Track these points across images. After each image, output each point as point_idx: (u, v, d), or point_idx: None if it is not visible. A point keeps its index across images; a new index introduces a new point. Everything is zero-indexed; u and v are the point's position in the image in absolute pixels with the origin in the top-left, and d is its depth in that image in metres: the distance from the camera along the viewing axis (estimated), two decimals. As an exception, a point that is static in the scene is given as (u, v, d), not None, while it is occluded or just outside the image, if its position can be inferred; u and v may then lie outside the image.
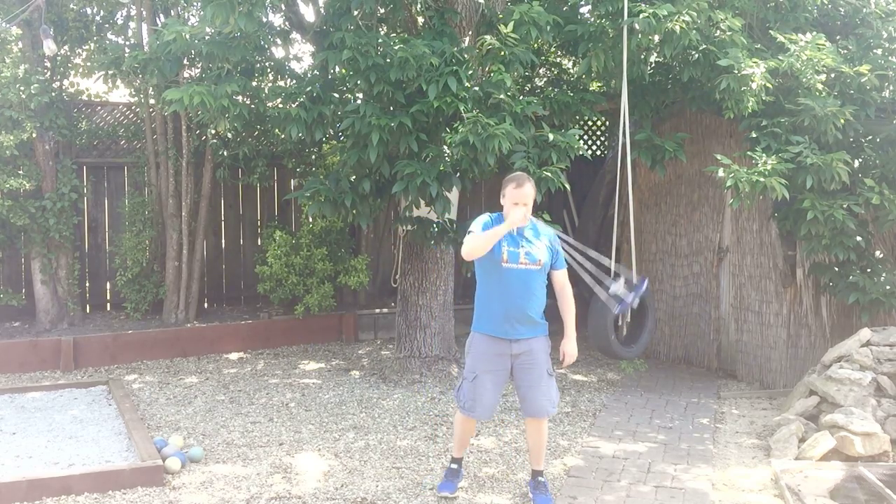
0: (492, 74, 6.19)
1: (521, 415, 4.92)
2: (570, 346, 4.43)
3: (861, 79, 6.23)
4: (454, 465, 4.60)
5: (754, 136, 6.34)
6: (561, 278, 4.42)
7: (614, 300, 4.33)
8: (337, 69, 6.78)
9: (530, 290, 4.28)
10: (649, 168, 7.18)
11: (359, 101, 6.34)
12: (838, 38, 6.85)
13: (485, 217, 4.36)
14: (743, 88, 6.01)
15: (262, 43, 6.79)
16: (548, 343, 4.44)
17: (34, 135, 7.73)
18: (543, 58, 8.92)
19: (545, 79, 9.39)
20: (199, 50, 6.33)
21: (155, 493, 4.48)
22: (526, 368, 4.35)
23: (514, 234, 4.28)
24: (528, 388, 4.36)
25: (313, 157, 8.99)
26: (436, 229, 6.62)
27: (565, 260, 4.50)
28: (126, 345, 7.52)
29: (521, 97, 6.49)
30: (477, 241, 4.18)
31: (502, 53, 6.17)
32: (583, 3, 7.60)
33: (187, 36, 6.04)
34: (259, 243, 9.09)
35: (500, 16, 6.49)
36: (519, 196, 4.20)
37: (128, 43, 8.27)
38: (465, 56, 6.23)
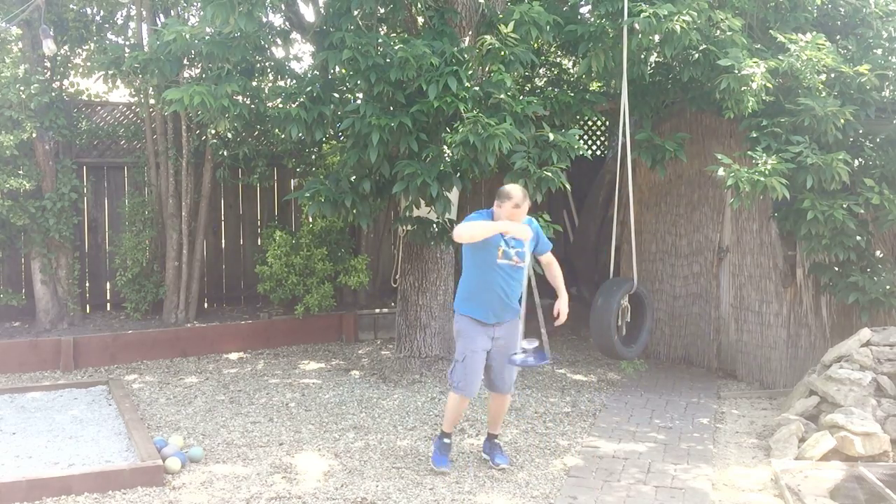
0: (492, 74, 6.19)
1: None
2: (563, 305, 4.86)
3: (861, 79, 6.22)
4: (446, 440, 4.98)
5: (754, 136, 6.34)
6: (547, 258, 4.99)
7: (521, 354, 4.77)
8: (337, 69, 6.78)
9: (516, 282, 4.77)
10: (649, 168, 7.18)
11: (359, 101, 6.34)
12: (838, 38, 6.85)
13: (476, 214, 4.81)
14: (743, 88, 6.01)
15: (262, 43, 6.79)
16: (519, 326, 4.86)
17: (34, 135, 7.72)
18: (543, 58, 8.92)
19: (545, 79, 9.39)
20: (199, 50, 6.33)
21: (155, 493, 4.48)
22: (501, 351, 4.82)
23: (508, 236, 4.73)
24: (500, 369, 4.87)
25: (313, 157, 8.98)
26: (436, 229, 6.62)
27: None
28: (126, 345, 7.52)
29: (521, 97, 6.49)
30: (475, 230, 4.61)
31: (502, 53, 6.16)
32: (583, 3, 7.60)
33: (187, 36, 6.04)
34: (259, 243, 9.09)
35: (500, 16, 6.49)
36: (517, 216, 4.66)
37: (128, 43, 8.26)
38: (466, 56, 6.23)
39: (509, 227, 4.60)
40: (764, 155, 5.98)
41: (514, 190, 4.72)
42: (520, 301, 4.82)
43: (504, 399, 4.99)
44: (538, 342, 4.69)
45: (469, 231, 4.61)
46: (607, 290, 6.58)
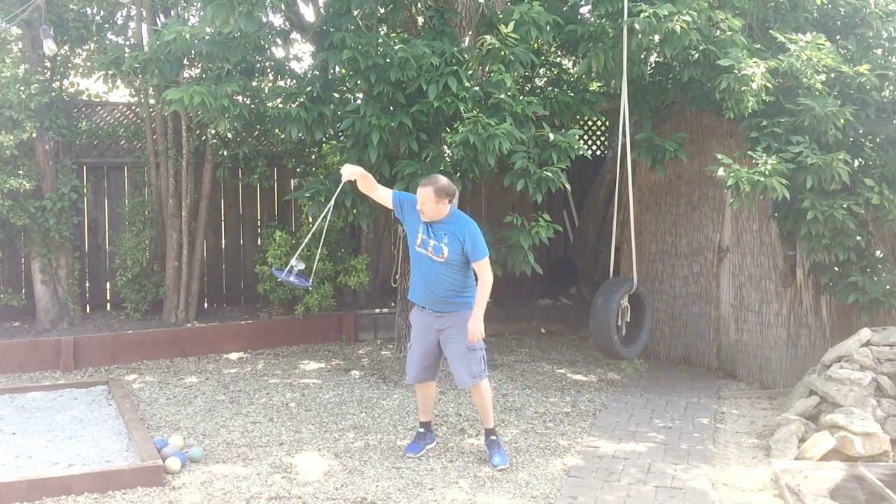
0: (492, 74, 6.20)
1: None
2: (471, 324, 4.79)
3: (861, 79, 6.22)
4: (421, 429, 5.23)
5: (754, 136, 6.34)
6: (478, 268, 4.84)
7: (284, 270, 5.12)
8: (337, 69, 6.79)
9: (438, 275, 4.82)
10: (649, 168, 7.18)
11: (359, 101, 6.35)
12: (838, 38, 6.85)
13: (409, 195, 5.01)
14: (743, 88, 6.01)
15: (262, 43, 6.79)
16: (466, 318, 4.86)
17: (34, 135, 7.72)
18: (543, 58, 8.92)
19: (545, 79, 9.39)
20: (199, 50, 6.34)
21: (155, 493, 4.48)
22: (447, 341, 4.93)
23: (430, 225, 4.81)
24: (450, 359, 4.99)
25: (313, 157, 8.98)
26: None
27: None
28: (126, 345, 7.52)
29: (521, 97, 6.49)
30: (369, 183, 4.93)
31: (502, 53, 6.17)
32: (583, 3, 7.60)
33: (187, 36, 6.04)
34: (259, 243, 9.09)
35: (500, 16, 6.50)
36: (419, 195, 4.76)
37: (128, 43, 8.26)
38: (466, 56, 6.23)
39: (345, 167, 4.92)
40: (764, 155, 5.98)
41: (431, 177, 4.85)
42: (460, 298, 4.85)
43: (474, 391, 5.03)
44: (305, 267, 4.90)
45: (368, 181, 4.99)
46: (607, 290, 6.58)
